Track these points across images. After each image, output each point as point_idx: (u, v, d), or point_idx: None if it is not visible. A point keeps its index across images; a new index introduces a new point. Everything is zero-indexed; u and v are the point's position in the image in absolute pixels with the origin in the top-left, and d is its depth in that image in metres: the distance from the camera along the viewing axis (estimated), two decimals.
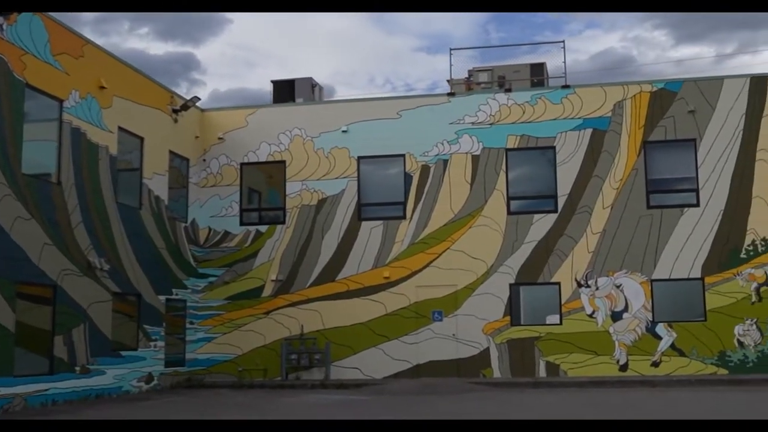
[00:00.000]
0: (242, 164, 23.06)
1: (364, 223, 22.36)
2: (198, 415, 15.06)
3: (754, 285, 20.91)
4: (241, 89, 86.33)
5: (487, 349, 21.55)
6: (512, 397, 17.95)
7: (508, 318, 21.57)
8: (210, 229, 22.97)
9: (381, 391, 19.59)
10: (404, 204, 22.30)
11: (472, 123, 22.30)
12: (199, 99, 22.08)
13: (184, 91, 74.47)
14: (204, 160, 23.14)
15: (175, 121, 21.62)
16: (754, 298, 20.87)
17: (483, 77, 23.65)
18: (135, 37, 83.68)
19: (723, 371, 20.69)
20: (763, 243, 20.94)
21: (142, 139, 20.14)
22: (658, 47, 71.56)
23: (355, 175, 22.54)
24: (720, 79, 21.83)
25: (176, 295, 21.60)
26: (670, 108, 21.68)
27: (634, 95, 21.85)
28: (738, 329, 20.82)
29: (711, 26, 73.29)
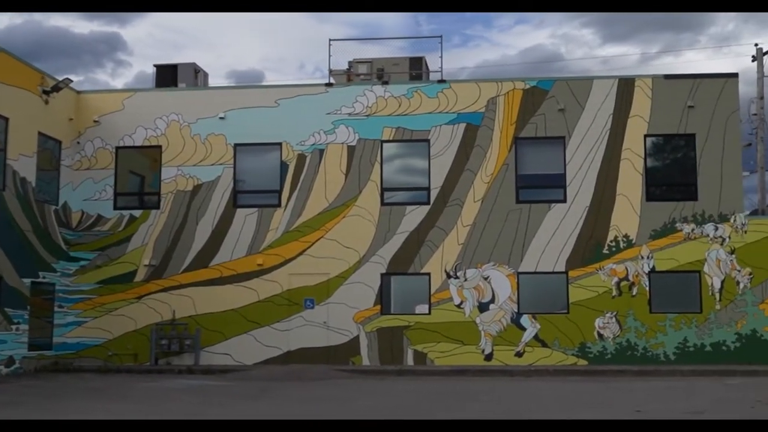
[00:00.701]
0: (117, 148, 22.86)
1: (239, 210, 22.41)
2: (41, 399, 15.01)
3: (615, 280, 21.61)
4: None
5: (357, 337, 21.83)
6: (366, 384, 18.30)
7: (378, 307, 21.88)
8: (83, 213, 22.73)
9: (244, 377, 19.76)
10: (279, 192, 22.42)
11: (349, 114, 22.52)
12: (71, 81, 21.79)
13: (108, 72, 73.34)
14: (78, 142, 22.87)
15: (46, 102, 21.31)
16: (614, 293, 21.58)
17: (362, 69, 23.82)
18: (58, 15, 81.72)
19: (583, 362, 21.36)
20: (624, 239, 21.65)
21: (6, 119, 19.80)
22: (585, 45, 72.94)
23: (231, 162, 22.57)
24: (590, 80, 22.47)
25: (43, 278, 21.33)
26: (541, 106, 22.22)
27: (508, 92, 22.33)
28: (598, 322, 21.51)
29: (636, 27, 74.95)
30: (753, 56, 32.63)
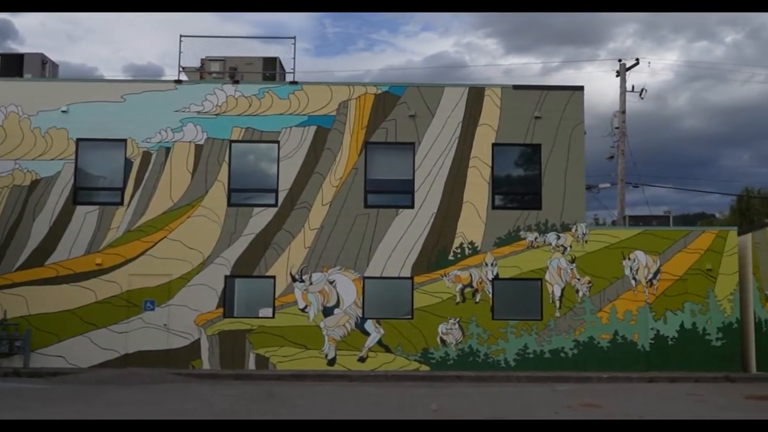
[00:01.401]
0: None
1: (78, 208, 21.66)
2: None
3: (459, 286, 21.77)
4: (61, 63, 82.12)
5: (198, 340, 21.37)
6: (195, 388, 17.91)
7: (221, 310, 21.47)
8: None
9: (71, 381, 19.10)
10: (122, 190, 21.77)
11: (198, 112, 22.07)
12: None
13: None
14: None
15: None
16: (458, 299, 21.73)
17: (215, 67, 23.39)
18: None
19: (425, 368, 21.42)
20: (470, 246, 21.84)
21: None
22: (489, 55, 74.23)
23: (73, 157, 21.79)
24: (441, 87, 22.61)
25: None
26: (392, 111, 22.25)
27: (359, 96, 22.27)
28: (441, 328, 21.62)
29: (539, 39, 76.85)
30: (617, 71, 33.59)
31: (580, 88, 22.59)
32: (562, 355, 21.63)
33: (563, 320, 21.74)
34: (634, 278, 21.92)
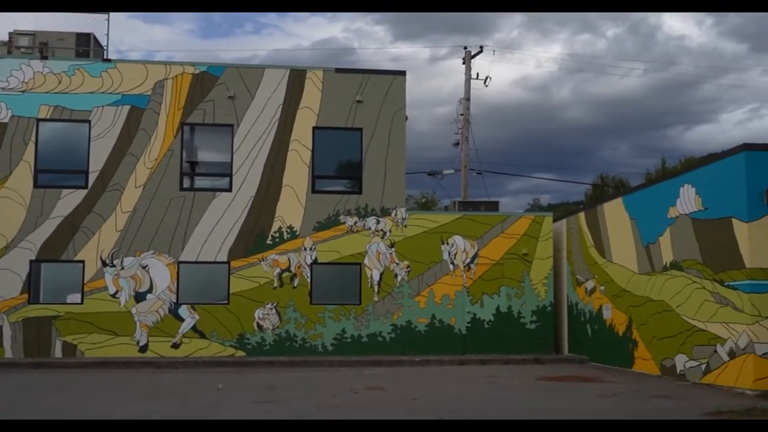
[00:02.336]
0: None
1: None
2: None
3: (277, 271, 21.51)
4: None
5: (1, 327, 20.38)
6: None
7: (25, 296, 20.55)
8: None
9: None
10: None
11: (2, 89, 21.01)
12: None
13: None
14: None
15: None
16: (276, 284, 21.47)
17: (24, 41, 22.31)
18: None
19: (241, 353, 21.10)
20: (289, 230, 21.59)
21: None
22: (378, 41, 74.01)
23: None
24: (261, 68, 22.23)
25: None
26: (210, 92, 21.74)
27: (176, 76, 21.66)
28: (258, 313, 21.32)
29: (427, 27, 77.29)
30: (463, 59, 33.89)
31: (402, 73, 22.62)
32: (380, 339, 21.68)
33: (381, 304, 21.79)
34: (452, 263, 22.15)
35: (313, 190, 21.84)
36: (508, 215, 22.76)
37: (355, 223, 21.87)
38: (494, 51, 46.99)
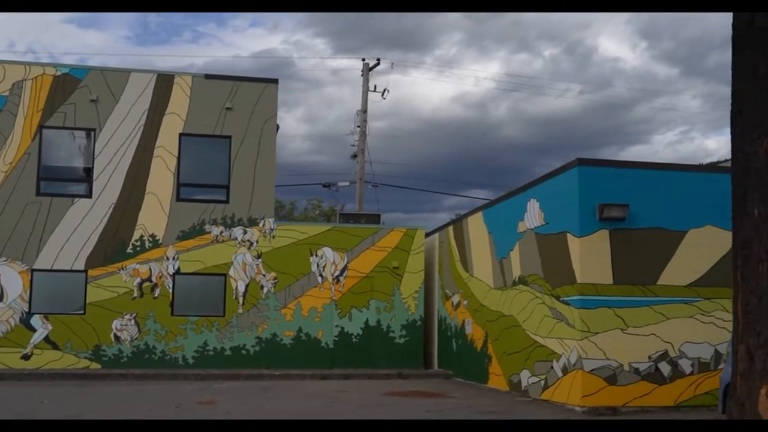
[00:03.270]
0: None
1: None
2: None
3: (138, 280, 20.86)
4: None
5: None
6: None
7: None
8: None
9: None
10: None
11: None
12: None
13: None
14: None
15: None
16: (135, 294, 20.82)
17: None
18: None
19: (96, 365, 20.37)
20: (150, 239, 20.97)
21: None
22: (317, 54, 73.44)
23: None
24: (127, 72, 21.64)
25: None
26: (72, 94, 21.07)
27: (36, 77, 20.95)
28: (116, 324, 20.64)
29: (367, 41, 77.15)
30: (361, 71, 33.69)
31: (274, 81, 22.25)
32: (243, 352, 21.16)
33: (246, 317, 21.29)
34: (321, 275, 21.78)
35: (178, 198, 21.28)
36: (379, 228, 22.49)
37: (221, 232, 21.37)
38: (392, 64, 46.87)
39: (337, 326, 21.73)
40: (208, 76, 21.91)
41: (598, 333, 14.04)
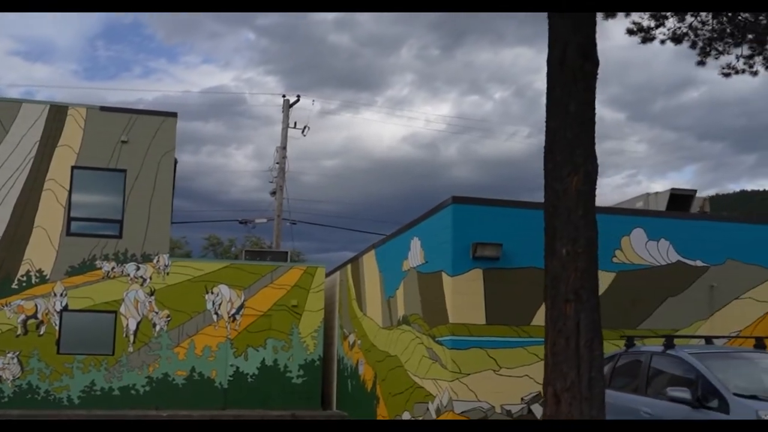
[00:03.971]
0: None
1: None
2: None
3: (22, 317, 20.14)
4: None
5: None
6: None
7: None
8: None
9: None
10: None
11: None
12: None
13: None
14: None
15: None
16: (20, 331, 20.07)
17: None
18: None
19: None
20: (38, 274, 20.31)
21: None
22: (269, 92, 73.19)
23: None
24: (18, 102, 21.09)
25: None
26: None
27: None
28: None
29: (318, 81, 77.38)
30: (282, 107, 33.46)
31: (173, 115, 21.86)
32: (133, 392, 20.47)
33: (137, 355, 20.63)
34: (216, 313, 21.26)
35: (68, 233, 20.66)
36: (278, 265, 22.08)
37: (113, 268, 20.77)
38: (314, 101, 47.03)
39: (232, 366, 21.19)
40: (103, 108, 21.46)
41: (469, 374, 13.78)
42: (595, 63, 7.97)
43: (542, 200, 8.05)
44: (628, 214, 15.27)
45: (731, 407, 8.51)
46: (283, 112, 33.53)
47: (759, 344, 10.25)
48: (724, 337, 13.55)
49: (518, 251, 14.27)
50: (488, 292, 14.07)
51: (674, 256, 15.07)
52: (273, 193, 33.56)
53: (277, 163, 33.12)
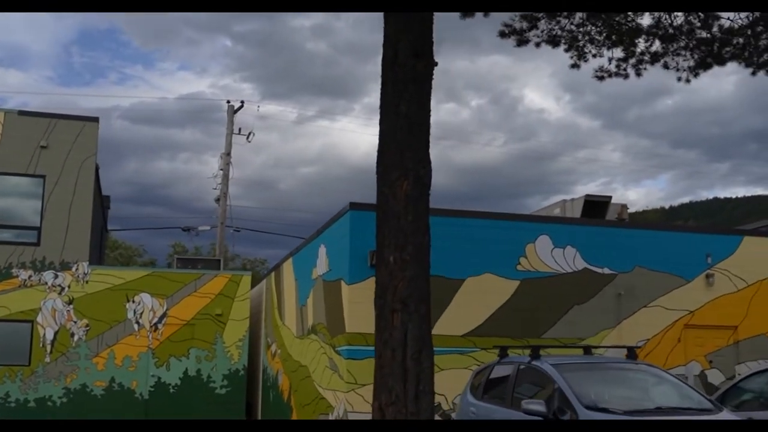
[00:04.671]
0: None
1: None
2: None
3: None
4: None
5: None
6: None
7: None
8: None
9: None
10: None
11: None
12: None
13: None
14: None
15: None
16: None
17: None
18: None
19: None
20: None
21: None
22: (246, 99, 73.10)
23: None
24: None
25: None
26: None
27: None
28: None
29: (295, 88, 77.15)
30: (227, 112, 33.04)
31: (95, 119, 21.42)
32: (50, 403, 19.95)
33: (54, 366, 20.11)
34: (138, 322, 20.79)
35: None
36: (202, 273, 21.64)
37: (30, 276, 20.26)
38: (258, 106, 46.78)
39: (153, 376, 20.71)
40: (21, 113, 20.99)
41: (365, 385, 13.40)
42: (430, 63, 7.67)
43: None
44: (533, 221, 15.00)
45: (581, 417, 8.23)
46: (228, 117, 33.08)
47: (631, 354, 9.97)
48: (604, 347, 13.26)
49: None
50: None
51: (581, 264, 14.81)
52: (217, 200, 33.09)
53: (221, 169, 32.66)
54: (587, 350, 10.77)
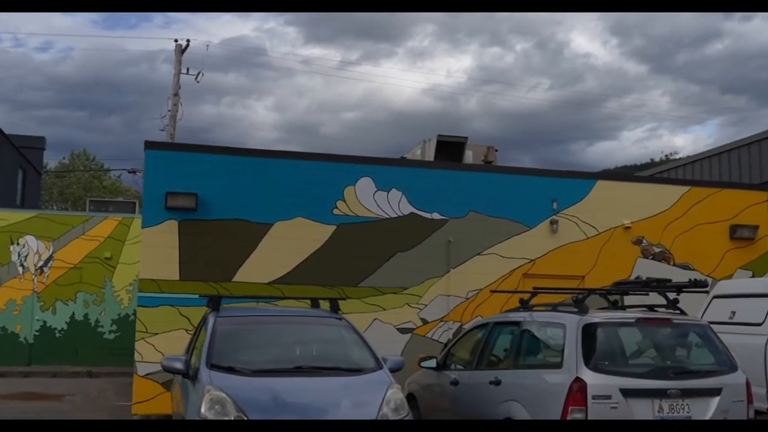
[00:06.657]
0: None
1: None
2: None
3: None
4: None
5: None
6: None
7: None
8: None
9: None
10: None
11: None
12: None
13: None
14: None
15: None
16: None
17: None
18: None
19: None
20: None
21: None
22: (289, 43, 71.97)
23: None
24: None
25: None
26: None
27: None
28: None
29: (339, 31, 76.13)
30: (175, 52, 32.19)
31: None
32: None
33: None
34: (22, 265, 20.38)
35: None
36: (90, 216, 21.09)
37: None
38: (207, 46, 45.37)
39: (38, 320, 20.38)
40: None
41: (157, 333, 12.70)
42: None
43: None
44: (355, 162, 13.90)
45: (201, 378, 7.36)
46: (175, 57, 32.22)
47: (333, 307, 9.01)
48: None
49: (221, 202, 13.09)
50: (184, 246, 12.91)
51: (407, 208, 13.76)
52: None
53: (169, 110, 31.89)
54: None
